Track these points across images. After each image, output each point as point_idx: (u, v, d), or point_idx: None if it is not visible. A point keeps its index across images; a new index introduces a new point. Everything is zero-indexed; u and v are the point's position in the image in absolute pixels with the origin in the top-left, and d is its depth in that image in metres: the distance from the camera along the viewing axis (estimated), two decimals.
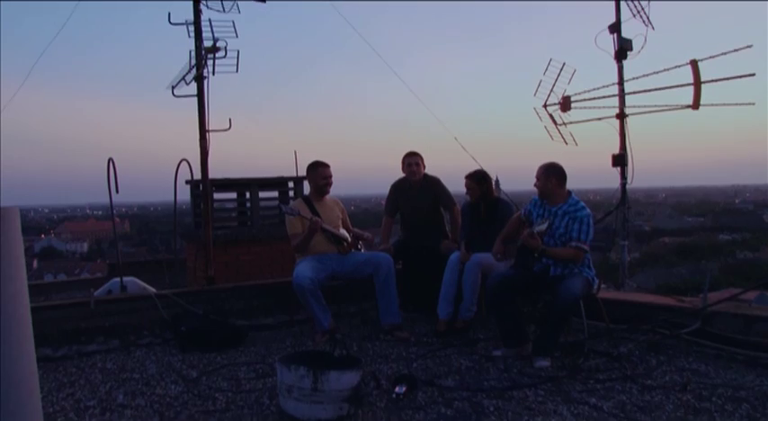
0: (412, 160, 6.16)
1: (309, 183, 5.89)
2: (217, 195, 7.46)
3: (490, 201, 5.83)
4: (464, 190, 5.99)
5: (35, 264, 55.61)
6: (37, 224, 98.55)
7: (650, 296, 6.27)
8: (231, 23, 6.36)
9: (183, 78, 6.52)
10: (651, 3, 6.70)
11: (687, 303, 5.43)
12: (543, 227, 4.70)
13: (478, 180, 5.81)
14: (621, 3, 6.69)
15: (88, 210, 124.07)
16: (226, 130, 6.46)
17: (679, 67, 6.54)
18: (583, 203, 4.92)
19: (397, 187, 6.40)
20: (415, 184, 6.23)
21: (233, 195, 7.91)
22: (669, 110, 6.67)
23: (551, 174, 4.91)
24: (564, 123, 6.98)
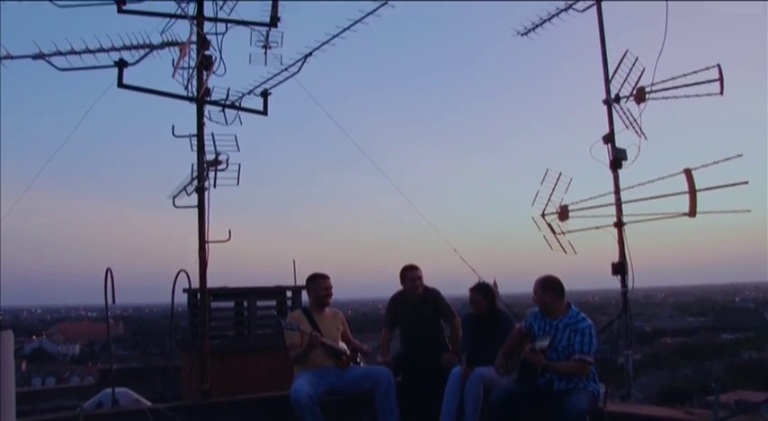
0: (413, 275, 6.15)
1: (309, 294, 5.85)
2: (214, 304, 7.38)
3: (492, 314, 5.78)
4: (461, 296, 5.95)
5: (24, 366, 54.41)
6: (29, 325, 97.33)
7: (658, 408, 6.10)
8: (233, 137, 6.55)
9: (185, 189, 6.61)
10: (643, 114, 6.89)
11: (697, 416, 5.27)
12: (545, 343, 4.65)
13: (485, 292, 5.80)
14: (614, 115, 6.87)
15: (82, 312, 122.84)
16: (225, 241, 6.47)
17: (673, 175, 6.63)
18: (583, 314, 4.88)
19: (397, 300, 6.35)
20: (415, 297, 6.19)
21: (230, 304, 7.83)
22: (666, 218, 6.71)
23: (548, 289, 4.90)
24: (562, 232, 7.00)
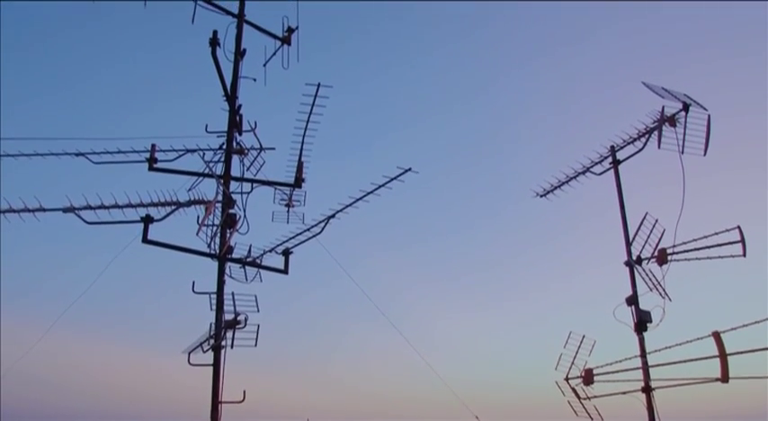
0: None
1: None
2: None
3: None
4: None
5: None
6: None
7: None
8: (253, 298, 6.53)
9: (201, 346, 6.52)
10: (666, 275, 6.83)
11: None
12: None
13: None
14: (637, 276, 6.81)
15: None
16: (239, 402, 6.28)
17: (702, 338, 6.46)
18: None
19: None
20: None
21: None
22: (697, 383, 6.46)
23: None
24: (588, 397, 6.76)
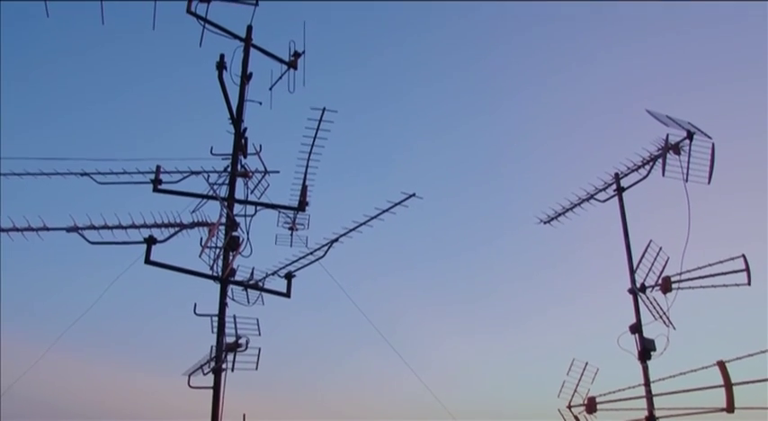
0: None
1: None
2: None
3: None
4: None
5: None
6: None
7: None
8: (255, 321, 6.53)
9: (201, 368, 6.50)
10: (669, 303, 6.79)
11: None
12: None
13: None
14: (641, 304, 6.78)
15: None
16: None
17: (706, 367, 6.40)
18: None
19: None
20: None
21: None
22: (702, 413, 6.39)
23: None
24: None
